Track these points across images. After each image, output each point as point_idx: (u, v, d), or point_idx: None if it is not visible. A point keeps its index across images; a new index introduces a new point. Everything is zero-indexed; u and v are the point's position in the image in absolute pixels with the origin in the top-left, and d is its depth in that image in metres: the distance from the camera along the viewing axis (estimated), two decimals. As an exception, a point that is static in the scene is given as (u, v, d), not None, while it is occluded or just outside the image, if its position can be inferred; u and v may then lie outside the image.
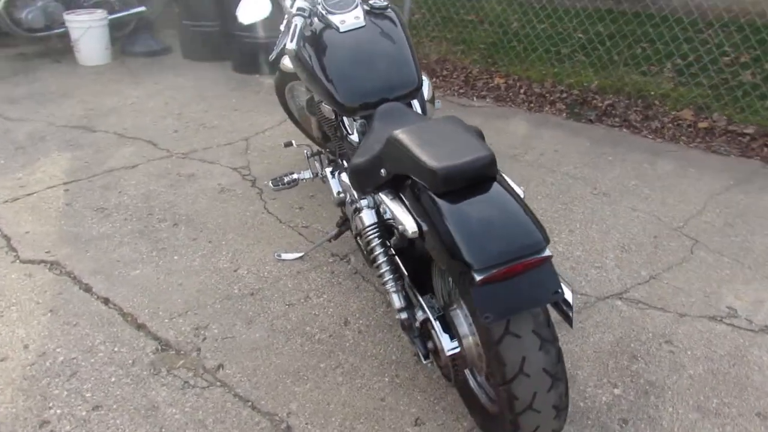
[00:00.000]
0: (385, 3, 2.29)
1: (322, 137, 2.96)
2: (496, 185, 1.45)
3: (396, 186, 1.68)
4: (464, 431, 1.81)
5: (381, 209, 1.74)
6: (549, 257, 1.33)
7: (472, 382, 1.77)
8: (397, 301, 1.76)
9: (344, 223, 2.43)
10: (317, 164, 2.75)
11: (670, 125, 3.84)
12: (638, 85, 4.14)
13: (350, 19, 2.18)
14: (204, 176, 3.32)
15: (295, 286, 2.43)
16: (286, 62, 2.64)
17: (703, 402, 1.90)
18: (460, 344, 1.59)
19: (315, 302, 2.35)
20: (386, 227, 1.78)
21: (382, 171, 1.67)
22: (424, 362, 1.68)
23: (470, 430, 1.81)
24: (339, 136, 2.28)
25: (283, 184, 2.72)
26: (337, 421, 1.85)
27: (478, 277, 1.29)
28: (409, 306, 1.76)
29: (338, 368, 2.04)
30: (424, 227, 1.49)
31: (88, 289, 2.41)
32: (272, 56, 2.20)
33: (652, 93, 4.07)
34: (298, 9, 2.07)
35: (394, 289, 1.76)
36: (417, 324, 1.70)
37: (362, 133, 2.10)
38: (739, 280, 2.47)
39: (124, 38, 5.65)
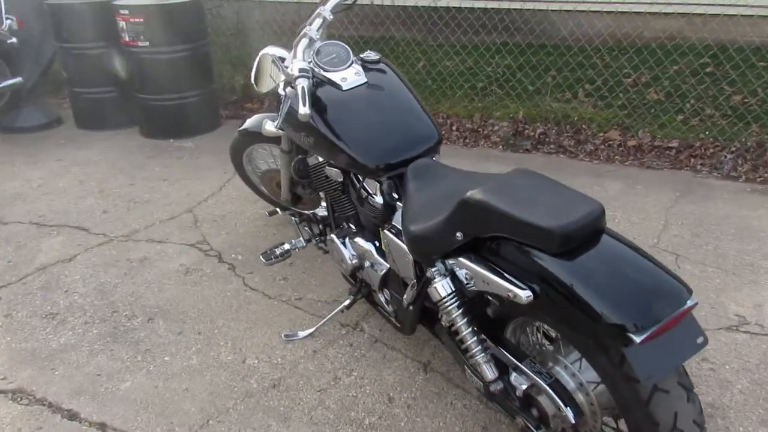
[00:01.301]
0: (377, 56, 2.20)
1: (292, 200, 2.79)
2: (607, 237, 1.39)
3: (474, 249, 1.57)
4: (563, 495, 1.70)
5: (463, 275, 1.61)
6: (695, 305, 1.29)
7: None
8: (489, 372, 1.63)
9: (359, 291, 2.26)
10: (307, 230, 2.56)
11: (602, 147, 4.08)
12: (562, 111, 4.36)
13: (351, 75, 2.07)
14: (159, 258, 2.96)
15: (318, 368, 2.21)
16: (267, 126, 2.43)
17: (765, 415, 1.96)
18: (575, 406, 1.50)
19: (347, 382, 2.14)
20: (463, 294, 1.65)
21: (458, 235, 1.56)
22: (536, 433, 1.56)
23: (568, 492, 1.71)
24: (356, 199, 2.11)
25: (276, 257, 2.50)
26: None
27: (638, 339, 1.22)
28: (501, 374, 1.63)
29: (404, 453, 1.86)
30: (538, 290, 1.39)
31: (73, 416, 2.02)
32: (278, 123, 2.01)
33: (576, 118, 4.31)
34: (301, 71, 1.92)
35: (485, 359, 1.63)
36: (519, 393, 1.58)
37: (389, 194, 1.97)
38: (731, 287, 2.61)
39: (1, 114, 5.02)
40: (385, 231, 1.95)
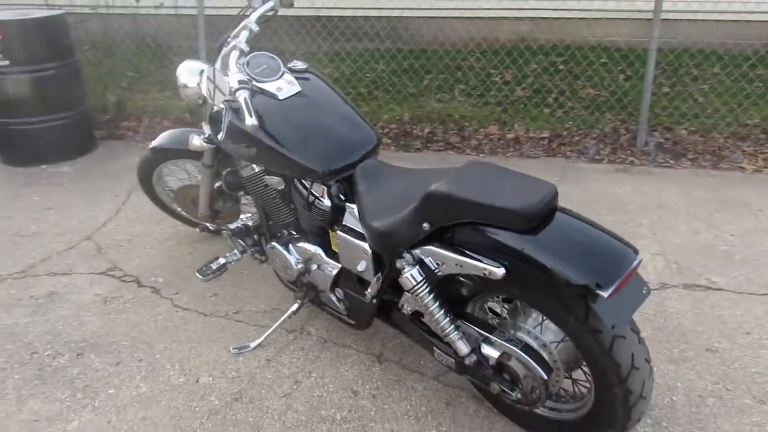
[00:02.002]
0: (305, 66, 2.27)
1: (211, 214, 2.78)
2: (560, 213, 1.60)
3: (438, 238, 1.71)
4: (529, 450, 1.91)
5: (431, 262, 1.74)
6: (640, 262, 1.53)
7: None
8: (464, 346, 1.78)
9: (306, 294, 2.31)
10: (240, 242, 2.55)
11: (485, 141, 4.44)
12: (445, 110, 4.68)
13: (285, 85, 2.12)
14: (69, 291, 2.77)
15: (276, 375, 2.23)
16: (195, 141, 2.39)
17: (669, 354, 2.31)
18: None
19: (308, 384, 2.18)
20: (431, 278, 1.77)
21: (425, 225, 1.69)
22: (512, 394, 1.73)
23: (533, 447, 1.91)
24: (303, 205, 2.16)
25: (212, 273, 2.47)
26: (419, 490, 1.78)
27: (605, 294, 1.43)
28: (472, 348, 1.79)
29: (382, 440, 1.95)
30: (509, 266, 1.56)
31: (21, 467, 1.86)
32: (221, 136, 2.00)
33: (458, 116, 4.64)
34: (240, 82, 1.94)
35: (458, 336, 1.77)
36: (492, 362, 1.74)
37: (337, 197, 2.05)
38: (619, 252, 3.01)
39: None
40: (338, 232, 2.03)
